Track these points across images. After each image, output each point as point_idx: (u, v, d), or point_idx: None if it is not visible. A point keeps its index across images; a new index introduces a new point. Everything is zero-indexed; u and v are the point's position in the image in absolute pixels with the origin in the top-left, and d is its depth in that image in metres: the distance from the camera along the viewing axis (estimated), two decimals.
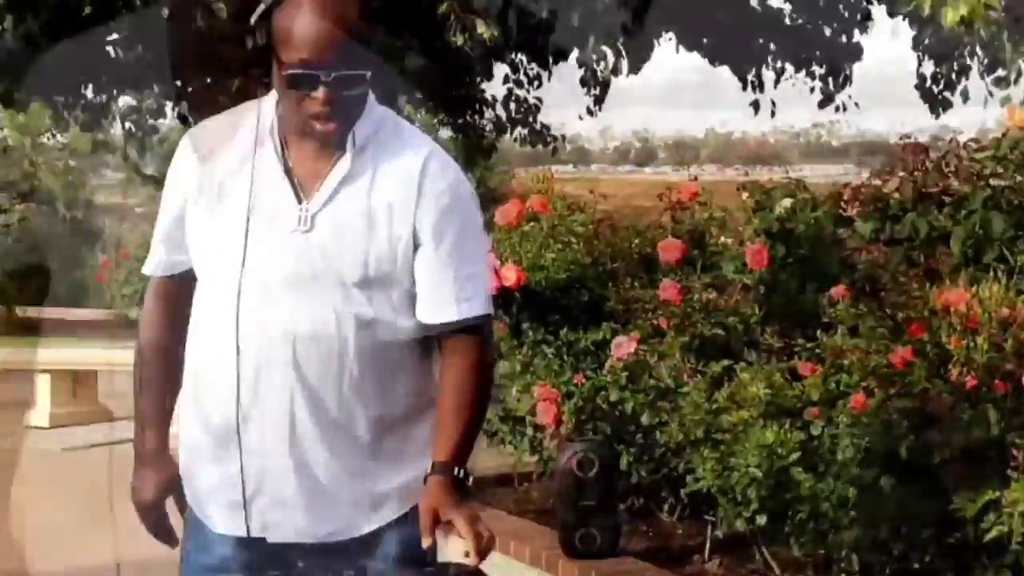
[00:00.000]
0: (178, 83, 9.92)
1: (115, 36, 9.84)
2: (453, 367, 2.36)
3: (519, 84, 11.19)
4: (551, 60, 10.49)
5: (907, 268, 4.74)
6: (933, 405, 3.96)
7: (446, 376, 2.37)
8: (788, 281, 4.97)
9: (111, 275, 14.86)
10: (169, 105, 11.28)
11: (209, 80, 9.02)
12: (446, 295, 2.33)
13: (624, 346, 4.88)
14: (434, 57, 8.74)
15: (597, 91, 10.56)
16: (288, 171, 2.33)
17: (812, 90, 11.54)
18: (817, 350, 4.28)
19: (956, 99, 10.94)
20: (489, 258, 5.11)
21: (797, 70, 11.47)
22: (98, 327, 14.13)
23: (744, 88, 11.52)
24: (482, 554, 2.25)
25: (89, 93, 11.27)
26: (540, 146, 11.72)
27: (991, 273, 4.49)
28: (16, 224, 19.14)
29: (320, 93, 2.24)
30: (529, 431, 5.28)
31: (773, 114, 11.77)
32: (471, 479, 2.34)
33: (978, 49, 10.21)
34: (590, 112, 11.05)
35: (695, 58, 11.39)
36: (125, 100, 12.04)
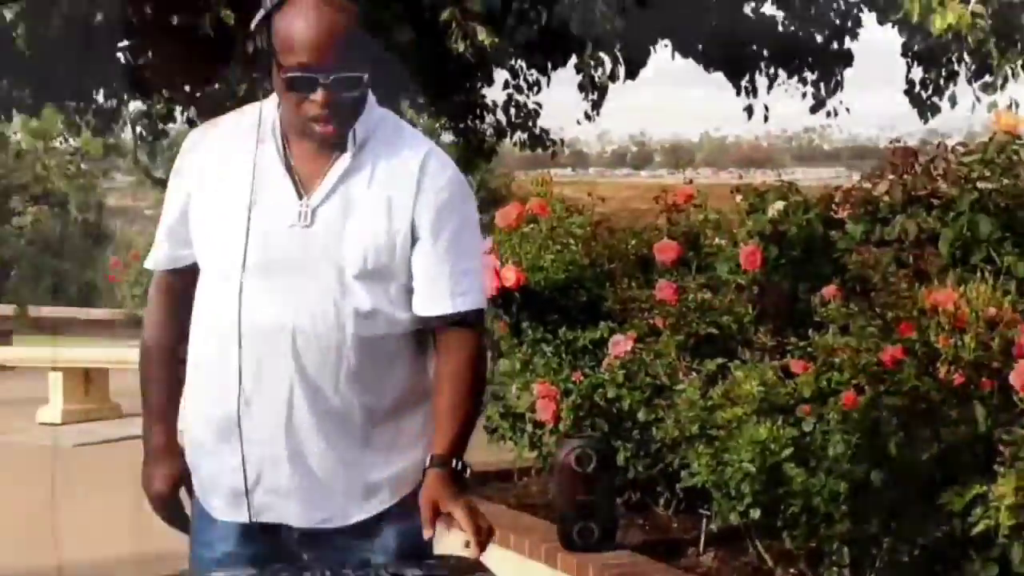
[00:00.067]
0: (187, 88, 9.98)
1: (126, 42, 9.90)
2: (448, 361, 2.39)
3: (519, 90, 11.16)
4: (550, 66, 10.53)
5: (897, 269, 4.68)
6: (922, 402, 3.96)
7: (442, 370, 2.40)
8: (781, 282, 5.00)
9: (122, 276, 14.87)
10: (179, 110, 11.31)
11: (217, 85, 9.09)
12: (442, 289, 2.36)
13: (621, 345, 4.91)
14: (436, 63, 8.79)
15: (595, 96, 10.59)
16: (289, 168, 2.35)
17: (804, 95, 11.59)
18: (809, 349, 4.24)
19: (944, 104, 10.99)
20: (489, 259, 5.20)
21: (789, 76, 11.48)
22: (109, 326, 14.23)
23: (738, 94, 11.54)
24: (482, 545, 2.27)
25: (100, 98, 11.28)
26: (539, 150, 11.68)
27: (978, 274, 4.47)
28: (29, 226, 19.16)
29: (319, 95, 2.26)
30: (528, 427, 5.28)
31: (766, 119, 11.76)
32: (469, 471, 2.37)
33: (966, 56, 10.26)
34: (588, 117, 11.04)
35: (690, 64, 11.45)
36: (135, 105, 12.07)
